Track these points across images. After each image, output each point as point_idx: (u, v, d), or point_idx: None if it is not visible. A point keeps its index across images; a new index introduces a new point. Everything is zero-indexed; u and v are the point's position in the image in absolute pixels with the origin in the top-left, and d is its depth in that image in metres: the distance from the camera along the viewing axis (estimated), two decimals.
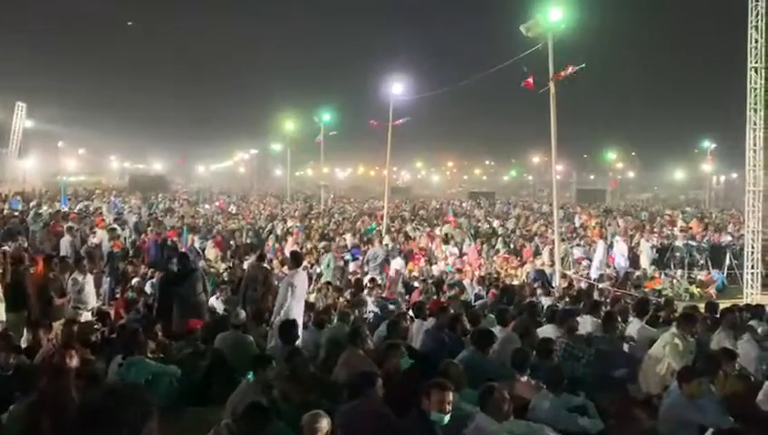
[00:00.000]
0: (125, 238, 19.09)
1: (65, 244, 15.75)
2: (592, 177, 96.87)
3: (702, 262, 19.99)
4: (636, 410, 6.42)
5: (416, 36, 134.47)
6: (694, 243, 20.97)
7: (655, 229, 25.43)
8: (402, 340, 7.91)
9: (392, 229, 24.92)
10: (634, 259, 19.77)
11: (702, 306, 11.06)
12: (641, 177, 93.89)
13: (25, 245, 15.50)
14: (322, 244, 20.25)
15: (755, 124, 15.87)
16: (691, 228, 24.86)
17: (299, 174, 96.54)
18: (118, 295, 13.65)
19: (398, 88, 25.16)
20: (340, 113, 41.28)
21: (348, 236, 21.84)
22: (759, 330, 8.92)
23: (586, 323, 8.83)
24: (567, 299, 12.52)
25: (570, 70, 15.29)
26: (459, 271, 16.20)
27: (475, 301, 13.39)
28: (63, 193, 29.63)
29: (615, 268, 18.38)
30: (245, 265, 15.82)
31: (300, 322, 9.19)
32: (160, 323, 9.27)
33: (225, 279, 14.61)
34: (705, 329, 8.77)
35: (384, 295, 13.69)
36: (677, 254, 20.21)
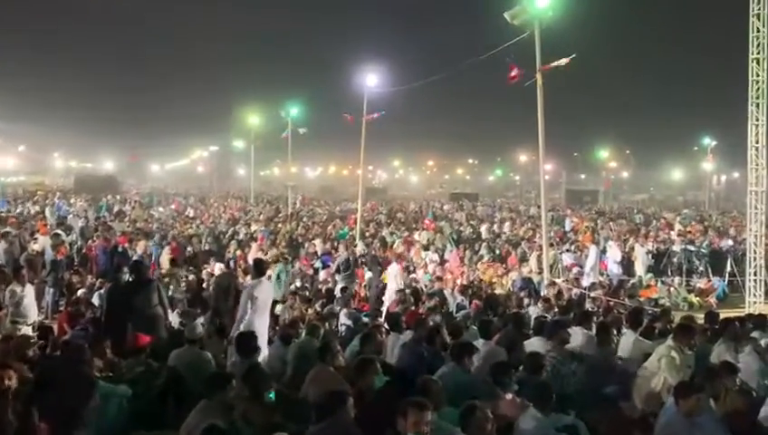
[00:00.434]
0: (70, 245, 18.81)
1: (1, 251, 15.49)
2: (583, 176, 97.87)
3: (701, 268, 20.20)
4: (630, 429, 6.47)
5: (392, 25, 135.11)
6: (692, 248, 21.14)
7: (650, 233, 25.71)
8: (377, 355, 7.89)
9: (367, 234, 24.93)
10: (628, 266, 19.96)
11: (701, 316, 11.20)
12: (636, 176, 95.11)
13: None
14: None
15: (757, 120, 15.95)
16: (690, 232, 25.18)
17: (264, 174, 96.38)
18: (62, 308, 13.44)
19: (372, 80, 25.19)
20: (310, 108, 41.34)
21: (318, 242, 21.79)
22: (762, 342, 8.98)
23: (576, 336, 8.88)
24: (556, 309, 12.60)
25: (559, 61, 15.40)
26: (439, 279, 16.21)
27: (456, 311, 13.43)
28: (1, 195, 29.21)
29: (608, 275, 18.54)
30: (204, 275, 15.75)
31: (264, 336, 9.14)
32: (110, 338, 9.15)
33: (182, 290, 14.47)
34: (704, 341, 8.87)
35: (356, 307, 13.69)
36: (675, 260, 20.43)
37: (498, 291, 16.23)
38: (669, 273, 20.02)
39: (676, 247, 21.02)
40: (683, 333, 8.01)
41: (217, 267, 16.01)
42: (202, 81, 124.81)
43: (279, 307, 12.98)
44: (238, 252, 19.23)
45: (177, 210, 36.05)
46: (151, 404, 7.11)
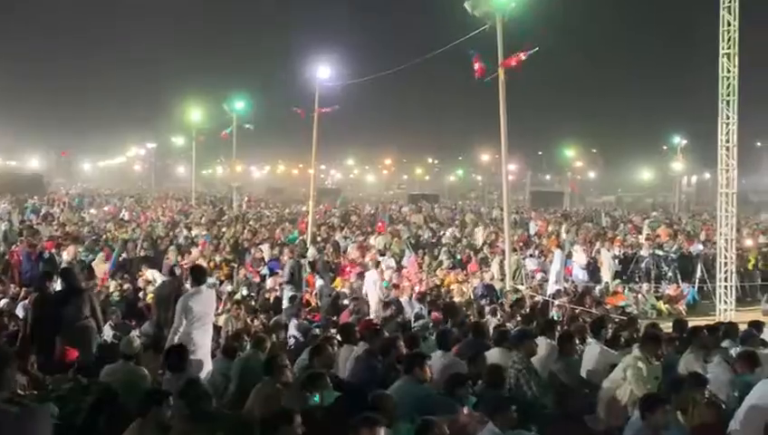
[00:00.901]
0: None
1: None
2: (548, 177, 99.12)
3: (670, 274, 20.54)
4: None
5: (347, 13, 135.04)
6: (661, 253, 21.54)
7: (618, 237, 26.12)
8: (327, 369, 7.87)
9: (318, 238, 24.85)
10: (594, 271, 20.25)
11: (670, 324, 11.41)
12: (603, 177, 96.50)
13: None
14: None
15: (728, 118, 16.01)
16: (659, 236, 25.63)
17: (207, 173, 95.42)
18: None
19: (324, 72, 25.08)
20: (257, 102, 41.10)
21: (265, 247, 21.62)
22: (732, 351, 9.05)
23: (540, 346, 8.99)
24: (518, 318, 12.74)
25: (519, 55, 15.53)
26: (396, 287, 16.20)
27: (414, 321, 13.47)
28: None
29: (573, 281, 18.78)
30: (140, 283, 15.53)
31: (206, 349, 9.04)
32: (35, 353, 8.97)
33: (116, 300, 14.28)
34: (671, 351, 9.02)
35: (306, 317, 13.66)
36: (643, 265, 20.76)
37: (458, 299, 16.31)
38: (637, 279, 20.26)
39: (644, 252, 21.34)
40: (650, 342, 8.16)
41: (150, 273, 15.79)
42: (139, 70, 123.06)
43: (222, 318, 12.86)
44: (178, 258, 18.97)
45: (112, 213, 35.44)
46: (81, 423, 6.98)
